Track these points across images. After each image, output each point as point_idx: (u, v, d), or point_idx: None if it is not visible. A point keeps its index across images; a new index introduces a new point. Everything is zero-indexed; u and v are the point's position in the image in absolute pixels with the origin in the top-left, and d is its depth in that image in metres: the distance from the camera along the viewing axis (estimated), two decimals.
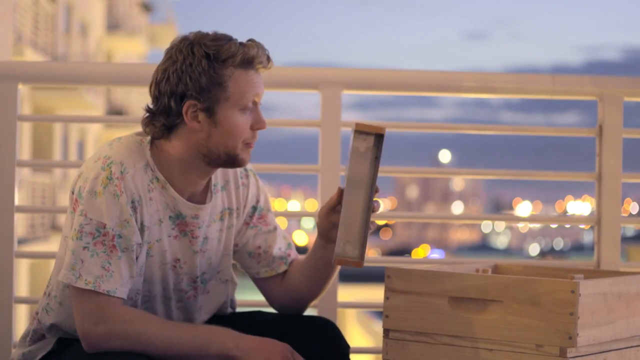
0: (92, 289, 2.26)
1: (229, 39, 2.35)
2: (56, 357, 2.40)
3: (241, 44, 2.35)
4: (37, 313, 2.46)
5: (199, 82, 2.30)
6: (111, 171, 2.29)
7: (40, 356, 2.43)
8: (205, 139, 2.34)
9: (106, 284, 2.26)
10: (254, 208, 2.59)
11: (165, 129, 2.35)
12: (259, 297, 2.72)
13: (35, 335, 2.45)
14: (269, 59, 2.38)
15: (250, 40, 2.37)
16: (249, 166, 2.59)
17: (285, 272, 2.61)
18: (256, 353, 2.30)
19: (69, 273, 2.27)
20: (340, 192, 2.38)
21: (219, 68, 2.31)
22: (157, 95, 2.34)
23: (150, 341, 2.27)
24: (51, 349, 2.42)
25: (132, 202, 2.31)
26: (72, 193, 2.35)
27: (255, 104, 2.37)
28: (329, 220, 2.43)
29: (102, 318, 2.26)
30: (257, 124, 2.37)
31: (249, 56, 2.33)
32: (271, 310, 2.68)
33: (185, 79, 2.31)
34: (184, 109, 2.32)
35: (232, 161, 2.37)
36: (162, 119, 2.34)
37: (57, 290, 2.39)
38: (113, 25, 26.59)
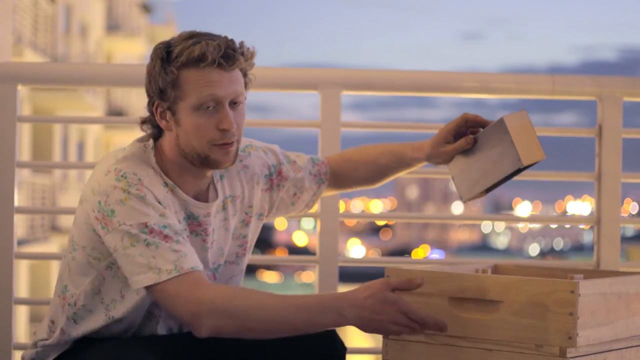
0: (177, 274, 2.22)
1: (192, 36, 2.33)
2: (74, 357, 2.38)
3: (196, 42, 2.30)
4: (52, 322, 2.42)
5: (157, 83, 2.33)
6: (127, 180, 2.28)
7: (55, 355, 2.41)
8: (176, 138, 2.35)
9: (186, 263, 2.24)
10: (270, 174, 2.60)
11: (155, 129, 2.39)
12: None
13: (53, 343, 2.41)
14: (230, 57, 2.30)
15: (214, 37, 2.33)
16: (246, 140, 2.60)
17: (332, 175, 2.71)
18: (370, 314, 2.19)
19: (149, 274, 2.23)
20: (469, 142, 2.53)
21: (169, 69, 2.31)
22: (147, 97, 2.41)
23: (262, 314, 2.19)
24: (68, 348, 2.40)
25: (158, 200, 2.30)
26: (93, 211, 2.30)
27: (218, 103, 2.32)
28: (437, 149, 2.58)
29: (200, 295, 2.20)
30: (221, 124, 2.31)
31: (194, 56, 2.29)
32: None
33: (150, 81, 2.35)
34: (154, 110, 2.36)
35: (206, 162, 2.34)
36: (149, 119, 2.39)
37: (85, 299, 2.36)
38: (113, 26, 26.60)
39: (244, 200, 2.54)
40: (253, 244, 2.61)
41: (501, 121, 2.46)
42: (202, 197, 2.43)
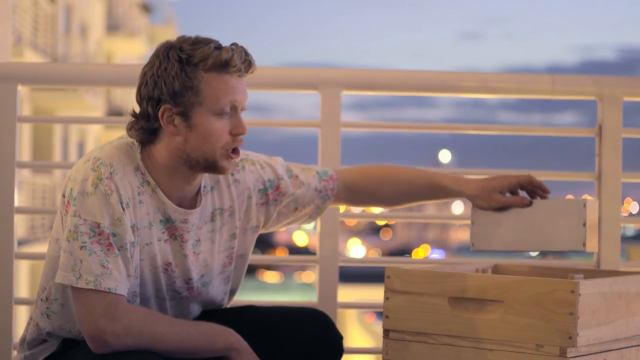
0: (93, 287, 2.25)
1: (207, 42, 2.32)
2: (61, 357, 2.40)
3: (217, 47, 2.31)
4: (31, 318, 2.45)
5: (173, 86, 2.30)
6: (101, 172, 2.29)
7: (42, 358, 2.42)
8: (183, 143, 2.33)
9: (106, 282, 2.26)
10: (265, 188, 2.59)
11: (146, 133, 2.35)
12: (259, 298, 2.74)
13: (34, 342, 2.44)
14: (249, 64, 2.34)
15: (233, 44, 2.34)
16: (242, 153, 2.58)
17: (343, 187, 2.71)
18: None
19: (69, 274, 2.27)
20: (525, 203, 2.61)
21: (191, 72, 2.30)
22: (139, 100, 2.37)
23: (164, 339, 2.28)
24: (55, 350, 2.42)
25: (121, 202, 2.30)
26: (63, 196, 2.34)
27: (234, 109, 2.34)
28: (489, 194, 2.64)
29: (117, 315, 2.25)
30: (236, 129, 2.34)
31: (221, 60, 2.30)
32: (263, 304, 2.70)
33: (161, 83, 2.31)
34: (159, 113, 2.32)
35: (212, 167, 2.35)
36: (142, 123, 2.35)
37: (56, 292, 2.38)
38: (113, 26, 26.60)
39: (233, 214, 2.53)
40: (249, 254, 2.61)
41: (582, 202, 2.53)
42: (187, 204, 2.43)
